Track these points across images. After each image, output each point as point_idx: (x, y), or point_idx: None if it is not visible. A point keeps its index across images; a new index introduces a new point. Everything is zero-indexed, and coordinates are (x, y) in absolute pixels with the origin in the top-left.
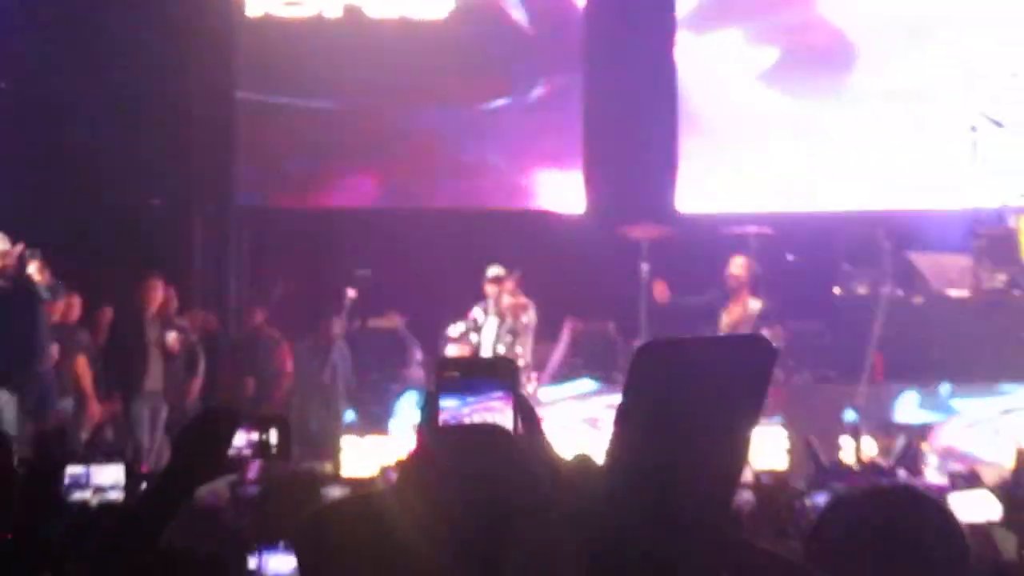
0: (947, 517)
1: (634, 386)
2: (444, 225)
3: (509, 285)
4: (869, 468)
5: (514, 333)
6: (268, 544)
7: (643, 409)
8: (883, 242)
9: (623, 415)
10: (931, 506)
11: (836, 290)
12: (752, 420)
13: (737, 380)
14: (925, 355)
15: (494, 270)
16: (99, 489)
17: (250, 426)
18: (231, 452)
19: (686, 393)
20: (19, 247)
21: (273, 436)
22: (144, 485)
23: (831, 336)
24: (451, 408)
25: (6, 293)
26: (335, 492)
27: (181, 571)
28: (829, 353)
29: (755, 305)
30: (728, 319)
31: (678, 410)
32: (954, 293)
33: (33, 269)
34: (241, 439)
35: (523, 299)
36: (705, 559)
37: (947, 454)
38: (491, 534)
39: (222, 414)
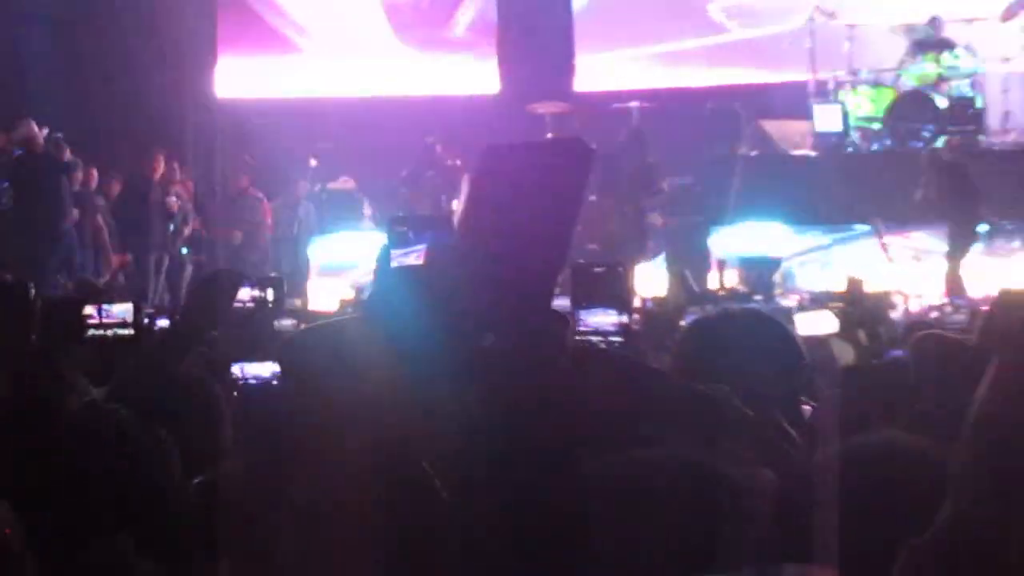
0: (784, 331)
1: (474, 182)
2: (386, 109)
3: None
4: (730, 294)
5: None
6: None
7: (484, 198)
8: (740, 111)
9: (469, 207)
10: (771, 323)
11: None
12: (574, 210)
13: (559, 176)
14: (776, 202)
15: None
16: (111, 324)
17: (252, 284)
18: (236, 305)
19: (517, 190)
20: (45, 130)
21: (270, 294)
22: (148, 321)
23: (701, 188)
24: (398, 254)
25: (36, 166)
26: (286, 323)
27: (182, 389)
28: (700, 201)
29: None
30: None
31: (510, 204)
32: (797, 152)
33: (55, 147)
34: (245, 294)
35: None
36: (530, 324)
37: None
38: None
39: (228, 275)
